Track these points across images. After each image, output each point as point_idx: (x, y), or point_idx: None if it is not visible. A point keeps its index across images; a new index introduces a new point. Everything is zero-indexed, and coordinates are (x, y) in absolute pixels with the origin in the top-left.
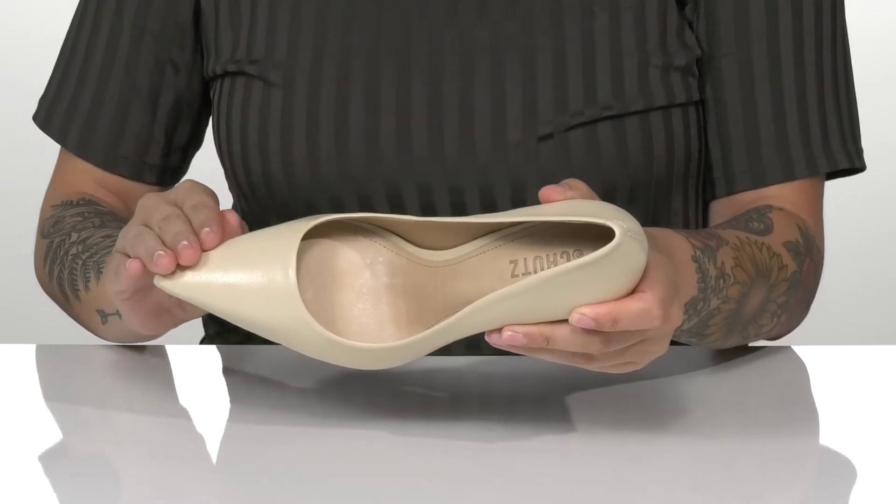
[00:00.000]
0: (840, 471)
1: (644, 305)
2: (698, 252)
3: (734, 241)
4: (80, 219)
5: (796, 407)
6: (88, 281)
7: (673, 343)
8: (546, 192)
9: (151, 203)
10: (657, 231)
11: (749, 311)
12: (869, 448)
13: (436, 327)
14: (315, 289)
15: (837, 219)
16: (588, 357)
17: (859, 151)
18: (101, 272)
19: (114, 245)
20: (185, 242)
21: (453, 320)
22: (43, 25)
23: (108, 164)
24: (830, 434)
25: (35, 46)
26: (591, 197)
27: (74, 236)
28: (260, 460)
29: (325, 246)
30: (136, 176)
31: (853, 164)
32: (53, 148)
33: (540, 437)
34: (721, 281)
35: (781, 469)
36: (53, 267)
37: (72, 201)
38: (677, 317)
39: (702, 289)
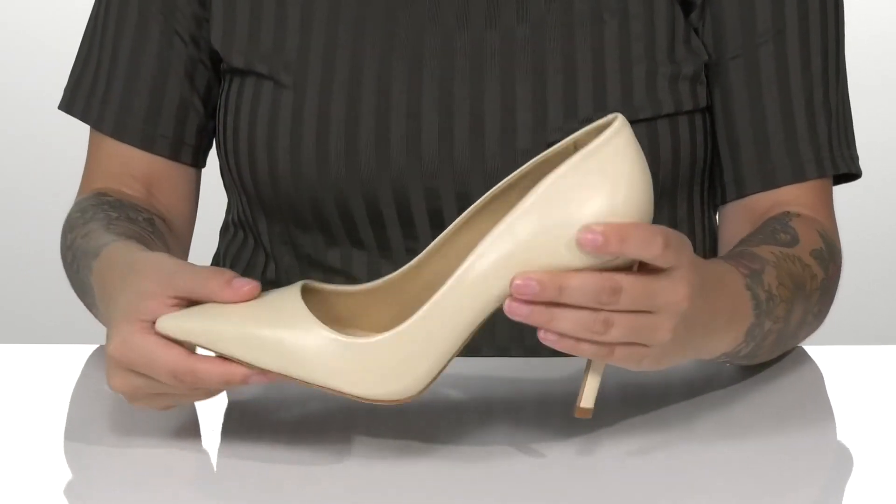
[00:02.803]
0: (855, 470)
1: (650, 233)
2: (748, 280)
3: (773, 259)
4: (78, 215)
5: (811, 407)
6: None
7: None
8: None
9: (159, 359)
10: (705, 263)
11: (793, 327)
12: (885, 448)
13: (441, 291)
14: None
15: (847, 219)
16: (598, 344)
17: (854, 157)
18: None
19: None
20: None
21: (458, 276)
22: (43, 26)
23: (146, 144)
24: (845, 434)
25: (35, 47)
26: None
27: (69, 238)
28: (260, 461)
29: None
30: (175, 155)
31: (850, 169)
32: (53, 149)
33: (543, 442)
34: (770, 303)
35: (796, 469)
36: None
37: (86, 197)
38: (687, 297)
39: (757, 314)
